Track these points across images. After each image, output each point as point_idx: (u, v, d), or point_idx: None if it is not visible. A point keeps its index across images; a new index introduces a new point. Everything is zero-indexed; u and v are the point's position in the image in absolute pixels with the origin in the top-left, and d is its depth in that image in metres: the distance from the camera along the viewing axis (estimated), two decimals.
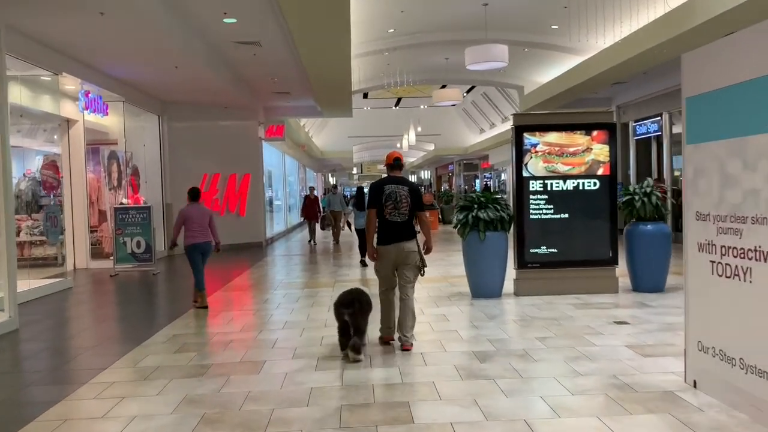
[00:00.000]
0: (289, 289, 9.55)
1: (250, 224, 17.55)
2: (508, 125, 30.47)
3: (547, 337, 6.03)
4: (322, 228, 18.38)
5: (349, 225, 15.90)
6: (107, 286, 10.81)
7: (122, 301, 9.62)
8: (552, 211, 8.16)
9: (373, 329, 5.89)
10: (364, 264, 12.15)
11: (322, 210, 19.35)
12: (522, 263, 8.18)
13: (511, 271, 8.33)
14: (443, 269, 11.29)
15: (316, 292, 9.17)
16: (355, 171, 68.23)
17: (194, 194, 8.29)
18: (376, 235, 5.84)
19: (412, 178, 61.30)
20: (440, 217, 24.82)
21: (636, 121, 18.38)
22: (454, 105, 30.86)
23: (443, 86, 20.33)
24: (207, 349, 6.00)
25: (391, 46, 15.26)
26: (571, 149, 8.17)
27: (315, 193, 20.18)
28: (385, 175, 5.98)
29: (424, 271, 5.91)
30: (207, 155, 16.85)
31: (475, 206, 8.11)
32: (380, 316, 5.86)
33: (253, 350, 5.90)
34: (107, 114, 12.81)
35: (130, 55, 11.03)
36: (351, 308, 5.31)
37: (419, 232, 5.90)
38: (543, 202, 8.15)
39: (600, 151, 8.20)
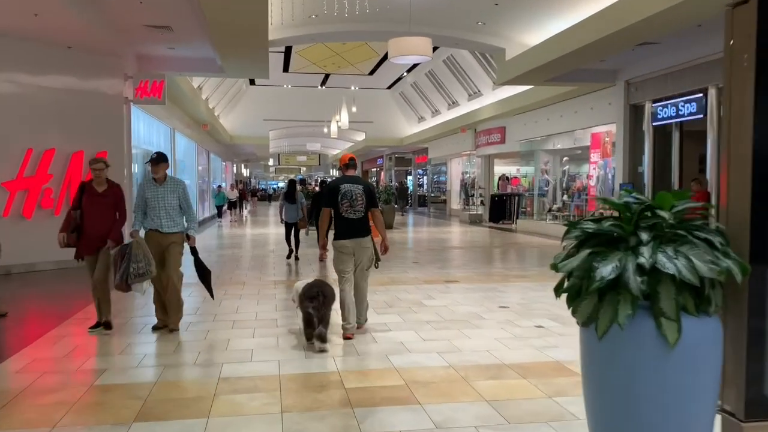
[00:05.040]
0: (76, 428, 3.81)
1: None
2: (456, 112, 25.61)
3: None
4: (122, 285, 5.80)
5: (203, 278, 6.38)
6: None
7: None
8: None
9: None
10: (289, 257, 11.98)
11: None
12: (760, 405, 2.84)
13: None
14: (430, 339, 5.81)
15: None
16: (271, 162, 61.58)
17: None
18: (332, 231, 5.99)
19: (334, 173, 55.15)
20: None
21: (656, 102, 13.67)
22: (415, 66, 25.15)
23: None
24: None
25: None
26: None
27: (103, 174, 6.32)
28: (341, 174, 6.28)
29: (378, 264, 6.15)
30: (35, 121, 10.63)
31: (643, 238, 2.68)
32: (341, 315, 5.92)
33: None
34: None
35: None
36: (315, 302, 5.34)
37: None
38: None
39: None
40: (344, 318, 5.86)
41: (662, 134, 14.06)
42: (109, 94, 11.71)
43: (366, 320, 6.18)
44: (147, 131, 14.64)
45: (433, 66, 25.13)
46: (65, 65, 11.03)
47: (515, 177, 26.12)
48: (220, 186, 26.47)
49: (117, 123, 11.80)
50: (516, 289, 8.63)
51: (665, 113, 13.33)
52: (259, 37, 10.97)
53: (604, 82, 14.98)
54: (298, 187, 10.76)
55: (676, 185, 13.77)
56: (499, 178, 25.43)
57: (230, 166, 41.84)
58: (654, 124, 13.79)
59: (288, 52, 24.03)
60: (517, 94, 19.04)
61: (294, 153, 53.54)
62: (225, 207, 26.54)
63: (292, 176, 23.59)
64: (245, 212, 33.29)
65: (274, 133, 35.55)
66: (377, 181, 45.10)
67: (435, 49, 18.65)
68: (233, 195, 26.21)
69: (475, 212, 25.32)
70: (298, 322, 6.45)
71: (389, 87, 31.64)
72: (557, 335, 5.92)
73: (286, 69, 27.27)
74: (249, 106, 31.31)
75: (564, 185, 18.85)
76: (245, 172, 62.79)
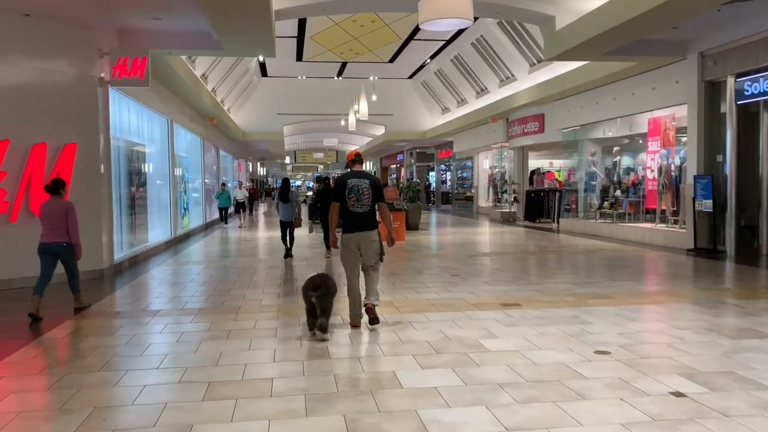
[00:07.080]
0: None
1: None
2: (486, 101, 23.17)
3: None
4: None
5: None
6: None
7: None
8: None
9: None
10: (287, 256, 11.76)
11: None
12: None
13: None
14: (516, 426, 3.57)
15: None
16: (288, 160, 59.56)
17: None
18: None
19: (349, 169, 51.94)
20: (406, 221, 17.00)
21: (741, 76, 11.30)
22: (440, 51, 22.34)
23: None
24: None
25: None
26: None
27: None
28: (348, 170, 6.36)
29: (382, 258, 6.17)
30: None
31: None
32: (348, 304, 6.08)
33: None
34: None
35: None
36: (318, 291, 5.52)
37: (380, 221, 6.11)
38: None
39: None
40: (352, 308, 6.02)
41: (747, 115, 11.71)
42: (80, 73, 9.62)
43: (377, 300, 6.16)
44: (137, 121, 12.57)
45: (459, 50, 22.86)
46: (22, 37, 8.97)
47: (549, 171, 23.70)
48: (224, 184, 23.84)
49: (90, 109, 9.70)
50: (602, 316, 6.38)
51: (755, 89, 10.95)
52: (261, 4, 8.80)
53: (671, 56, 12.63)
54: (314, 185, 9.01)
55: (765, 177, 11.43)
56: (532, 173, 23.07)
57: (243, 165, 39.89)
58: (739, 102, 11.42)
59: (301, 38, 21.91)
60: (558, 76, 16.74)
61: (310, 150, 51.52)
62: (232, 209, 24.00)
63: (287, 175, 21.29)
64: (257, 212, 31.18)
65: (289, 129, 33.51)
66: (397, 178, 42.82)
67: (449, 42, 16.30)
68: (241, 195, 23.71)
69: (507, 210, 22.97)
70: (302, 384, 4.30)
71: (411, 76, 29.43)
72: (717, 415, 3.66)
73: (299, 58, 25.19)
74: (261, 99, 29.28)
75: (616, 178, 16.47)
76: (262, 170, 60.84)
